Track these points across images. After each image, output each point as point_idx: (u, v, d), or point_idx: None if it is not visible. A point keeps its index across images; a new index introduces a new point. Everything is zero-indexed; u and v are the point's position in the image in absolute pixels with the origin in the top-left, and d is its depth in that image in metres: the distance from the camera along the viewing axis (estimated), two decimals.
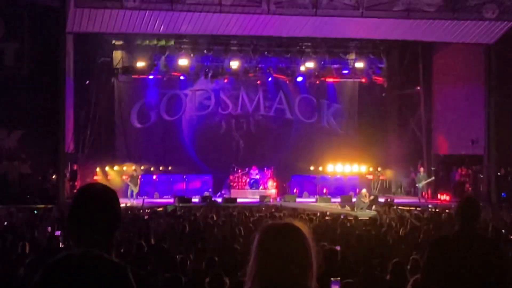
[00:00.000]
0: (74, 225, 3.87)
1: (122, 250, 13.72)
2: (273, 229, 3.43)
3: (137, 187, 34.53)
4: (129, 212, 24.52)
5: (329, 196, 36.02)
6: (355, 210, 31.84)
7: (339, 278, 6.56)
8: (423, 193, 36.13)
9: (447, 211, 26.85)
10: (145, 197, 33.84)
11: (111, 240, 3.86)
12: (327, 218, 23.19)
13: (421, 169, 36.14)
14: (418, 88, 38.25)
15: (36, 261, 10.06)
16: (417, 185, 36.11)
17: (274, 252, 3.32)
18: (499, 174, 33.85)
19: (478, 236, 6.65)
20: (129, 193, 34.01)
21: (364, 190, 33.73)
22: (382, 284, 8.45)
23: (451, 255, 6.34)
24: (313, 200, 35.57)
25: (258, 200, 34.00)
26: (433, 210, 26.98)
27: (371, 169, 38.87)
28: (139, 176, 35.29)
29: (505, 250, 6.82)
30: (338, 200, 34.82)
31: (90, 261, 3.71)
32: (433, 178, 36.54)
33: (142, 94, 38.35)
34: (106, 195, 3.90)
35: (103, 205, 3.84)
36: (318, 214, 24.31)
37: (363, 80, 39.82)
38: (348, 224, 20.54)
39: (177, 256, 12.77)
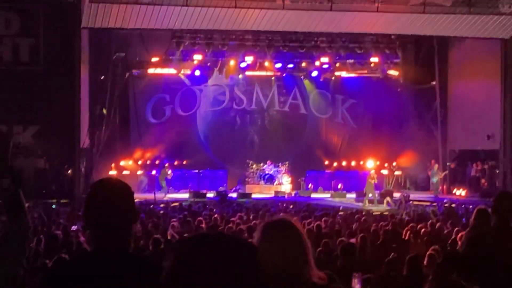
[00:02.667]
0: (90, 221, 3.82)
1: (140, 244, 13.76)
2: (271, 227, 3.62)
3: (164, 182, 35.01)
4: (143, 206, 24.54)
5: (344, 192, 35.94)
6: (365, 198, 32.06)
7: (360, 273, 6.51)
8: (439, 188, 36.08)
9: (463, 206, 26.82)
10: (160, 191, 33.97)
11: (129, 235, 3.81)
12: (341, 213, 23.15)
13: (435, 165, 36.08)
14: (434, 83, 38.11)
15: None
16: (431, 180, 36.09)
17: (272, 247, 3.50)
18: None
19: None
20: (164, 185, 34.82)
21: (372, 172, 33.80)
22: (399, 279, 8.41)
23: (489, 251, 6.28)
24: (328, 195, 35.50)
25: (273, 195, 33.99)
26: (449, 205, 26.87)
27: (386, 164, 38.74)
28: (169, 171, 35.52)
29: None
30: (353, 195, 34.81)
31: (116, 259, 3.66)
32: (446, 172, 36.47)
33: (157, 90, 38.37)
34: (121, 190, 3.84)
35: (118, 200, 3.77)
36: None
37: (379, 75, 39.69)
38: (364, 220, 20.48)
39: None
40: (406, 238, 15.33)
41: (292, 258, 3.53)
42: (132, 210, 3.83)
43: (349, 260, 8.88)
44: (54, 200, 27.83)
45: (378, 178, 37.54)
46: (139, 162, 36.88)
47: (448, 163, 37.26)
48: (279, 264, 3.46)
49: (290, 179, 36.90)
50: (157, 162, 36.95)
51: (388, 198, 32.32)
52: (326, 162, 39.08)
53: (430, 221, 19.18)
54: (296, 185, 36.84)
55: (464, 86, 36.02)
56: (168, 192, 34.48)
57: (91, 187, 3.93)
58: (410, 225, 18.49)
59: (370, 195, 32.84)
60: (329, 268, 8.29)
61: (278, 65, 38.32)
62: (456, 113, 36.92)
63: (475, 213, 7.40)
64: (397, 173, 38.60)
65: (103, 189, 3.83)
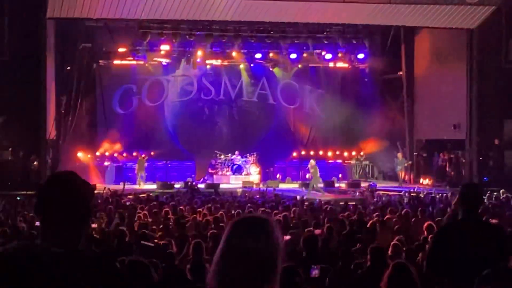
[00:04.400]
0: (39, 214, 3.70)
1: (106, 235, 13.72)
2: (241, 225, 3.35)
3: (143, 171, 35.12)
4: (110, 198, 24.41)
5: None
6: (310, 187, 32.29)
7: (319, 265, 6.55)
8: (405, 177, 36.33)
9: (429, 195, 27.00)
10: (127, 182, 33.87)
11: (78, 232, 3.67)
12: (307, 203, 23.21)
13: (399, 154, 36.38)
14: (400, 73, 38.31)
15: None
16: (396, 170, 36.40)
17: (236, 249, 3.25)
18: (480, 158, 33.96)
19: (481, 222, 6.66)
20: (138, 177, 34.76)
21: (312, 161, 33.98)
22: (362, 270, 8.46)
23: (456, 243, 6.32)
24: (296, 185, 35.61)
25: (241, 185, 34.00)
26: (416, 194, 27.06)
27: (353, 154, 38.94)
28: (145, 161, 35.49)
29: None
30: (321, 185, 34.91)
31: (58, 255, 3.53)
32: (410, 162, 36.74)
33: (124, 80, 38.14)
34: (74, 186, 3.70)
35: (69, 196, 3.65)
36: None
37: (346, 65, 39.85)
38: (331, 209, 20.59)
39: (161, 243, 12.78)
40: (372, 228, 15.41)
41: (254, 270, 3.24)
42: (85, 207, 3.72)
43: (312, 251, 8.92)
44: (20, 192, 27.59)
45: (346, 167, 37.82)
46: (107, 153, 36.70)
47: (415, 153, 37.51)
48: (236, 274, 3.22)
49: (258, 169, 36.91)
50: (124, 154, 36.79)
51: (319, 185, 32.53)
52: (294, 153, 39.18)
53: (396, 210, 19.31)
54: (264, 175, 36.87)
55: (431, 76, 36.24)
56: (144, 183, 34.47)
57: (43, 182, 3.84)
58: (376, 214, 18.65)
59: (320, 184, 33.11)
60: (294, 260, 8.33)
61: (246, 55, 38.29)
62: (423, 103, 37.15)
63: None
64: (364, 163, 38.82)
65: (54, 184, 3.73)
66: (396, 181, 36.00)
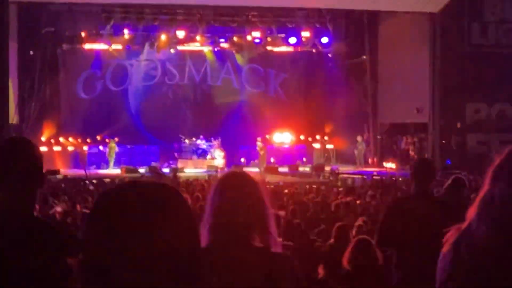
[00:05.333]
0: None
1: (68, 220, 13.67)
2: (230, 177, 3.67)
3: (113, 157, 35.28)
4: (75, 183, 24.34)
5: (276, 165, 36.15)
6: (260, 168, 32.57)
7: (280, 240, 6.61)
8: (370, 160, 36.61)
9: (393, 178, 27.24)
10: (93, 166, 33.81)
11: (32, 197, 3.74)
12: (272, 186, 23.31)
13: (358, 137, 36.71)
14: (364, 57, 38.47)
15: None
16: (356, 153, 36.73)
17: (229, 195, 3.53)
18: (443, 142, 34.26)
19: (432, 198, 6.75)
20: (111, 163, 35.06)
21: (259, 142, 34.30)
22: (324, 247, 8.56)
23: (407, 217, 6.41)
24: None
25: (205, 170, 34.00)
26: (379, 177, 27.28)
27: (318, 138, 39.10)
28: (115, 146, 35.42)
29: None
30: (286, 169, 35.05)
31: (17, 220, 3.62)
32: (369, 145, 37.11)
33: (87, 65, 37.90)
34: (23, 150, 3.77)
35: (19, 160, 3.69)
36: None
37: (310, 49, 39.93)
38: (294, 192, 20.70)
39: None
40: (336, 209, 15.51)
41: (248, 210, 3.51)
42: (36, 172, 3.76)
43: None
44: None
45: (310, 151, 37.98)
46: (70, 139, 36.46)
47: (378, 136, 37.76)
48: (234, 215, 3.48)
49: (222, 153, 36.84)
50: (88, 139, 36.58)
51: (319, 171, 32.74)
52: (259, 137, 39.22)
53: (360, 193, 19.46)
54: (229, 159, 36.87)
55: (394, 60, 36.39)
56: (115, 167, 34.48)
57: None
58: (340, 196, 18.79)
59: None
60: None
61: (210, 39, 38.24)
62: (386, 87, 37.31)
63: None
64: (328, 146, 38.98)
65: (4, 149, 3.78)
66: (360, 165, 36.25)
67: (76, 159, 35.80)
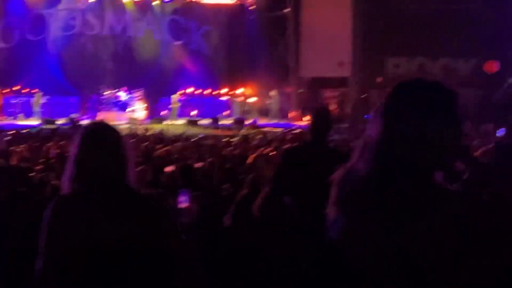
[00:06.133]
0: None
1: None
2: (92, 129, 3.71)
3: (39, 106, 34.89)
4: None
5: (198, 118, 36.05)
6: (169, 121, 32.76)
7: (187, 193, 6.54)
8: (291, 114, 36.82)
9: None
10: (12, 117, 33.24)
11: None
12: (193, 139, 23.23)
13: (274, 91, 37.04)
14: (287, 10, 38.40)
15: None
16: (271, 106, 37.07)
17: (92, 147, 3.62)
18: (364, 95, 34.59)
19: (328, 148, 6.74)
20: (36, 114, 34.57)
21: (174, 96, 34.45)
22: (236, 196, 8.53)
23: (300, 165, 6.40)
24: (183, 121, 35.56)
25: (126, 122, 33.67)
26: (298, 131, 27.40)
27: (239, 91, 39.05)
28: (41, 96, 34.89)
29: None
30: (207, 121, 34.98)
31: None
32: (280, 99, 37.58)
33: (4, 13, 36.91)
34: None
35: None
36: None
37: (232, 1, 39.68)
38: (213, 144, 20.67)
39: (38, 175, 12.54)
40: (254, 162, 15.52)
41: (112, 161, 3.60)
42: None
43: (187, 180, 8.92)
44: None
45: (232, 105, 37.95)
46: None
47: (300, 90, 37.91)
48: (98, 166, 3.57)
49: (144, 105, 36.55)
50: (5, 90, 35.78)
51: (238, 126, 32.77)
52: (181, 90, 38.92)
53: (279, 146, 19.49)
54: (150, 112, 36.58)
55: (316, 14, 36.45)
56: (40, 117, 33.94)
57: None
58: (260, 150, 18.80)
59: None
60: (171, 189, 8.33)
61: None
62: (308, 41, 37.39)
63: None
64: (250, 100, 38.99)
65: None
66: (281, 118, 36.44)
67: None
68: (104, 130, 3.70)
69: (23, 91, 35.58)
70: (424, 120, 2.60)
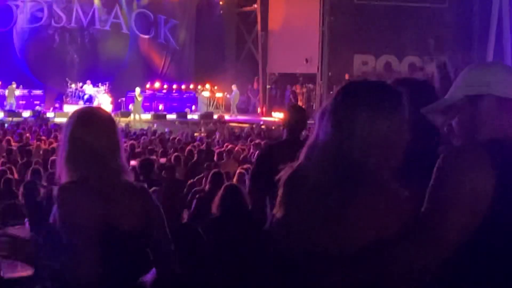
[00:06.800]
0: None
1: None
2: (82, 117, 3.65)
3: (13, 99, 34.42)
4: None
5: (165, 113, 35.93)
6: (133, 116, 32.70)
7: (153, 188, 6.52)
8: (259, 110, 36.88)
9: (280, 127, 27.44)
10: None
11: None
12: (160, 133, 23.21)
13: (233, 86, 37.11)
14: (255, 6, 38.36)
15: None
16: (231, 101, 37.11)
17: (84, 136, 3.56)
18: (331, 92, 34.62)
19: (303, 144, 6.72)
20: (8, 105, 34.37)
21: (138, 89, 34.41)
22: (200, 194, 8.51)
23: (277, 161, 6.38)
24: (148, 116, 35.40)
25: None
26: (265, 126, 27.45)
27: (207, 86, 38.94)
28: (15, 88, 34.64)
29: None
30: (174, 116, 34.90)
31: None
32: (239, 94, 37.70)
33: None
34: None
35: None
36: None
37: None
38: (179, 140, 20.63)
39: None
40: (219, 157, 15.51)
41: (107, 142, 3.58)
42: None
43: (147, 176, 8.88)
44: None
45: (199, 99, 37.89)
46: None
47: (268, 86, 37.92)
48: (94, 144, 3.53)
49: (110, 99, 36.28)
50: None
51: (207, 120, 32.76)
52: (148, 84, 38.72)
53: (245, 141, 19.52)
54: (116, 105, 36.33)
55: (285, 10, 36.47)
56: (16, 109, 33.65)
57: None
58: (226, 144, 18.80)
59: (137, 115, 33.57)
60: None
61: None
62: (277, 37, 37.38)
63: None
64: (218, 95, 38.93)
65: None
66: (248, 114, 36.46)
67: None
68: (100, 113, 3.74)
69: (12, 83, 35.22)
70: (371, 120, 2.67)
